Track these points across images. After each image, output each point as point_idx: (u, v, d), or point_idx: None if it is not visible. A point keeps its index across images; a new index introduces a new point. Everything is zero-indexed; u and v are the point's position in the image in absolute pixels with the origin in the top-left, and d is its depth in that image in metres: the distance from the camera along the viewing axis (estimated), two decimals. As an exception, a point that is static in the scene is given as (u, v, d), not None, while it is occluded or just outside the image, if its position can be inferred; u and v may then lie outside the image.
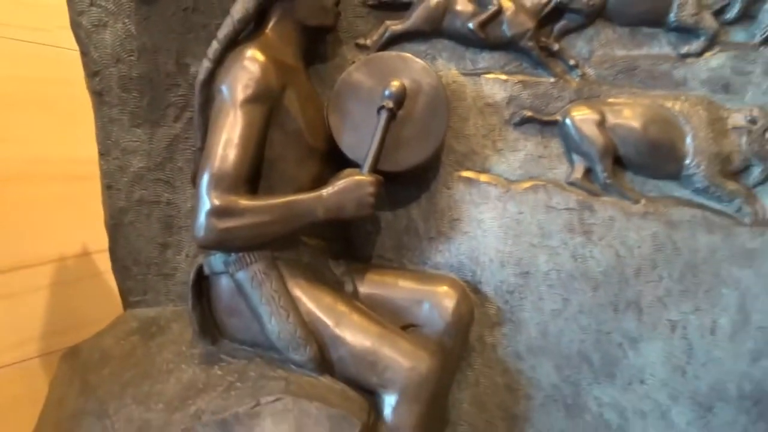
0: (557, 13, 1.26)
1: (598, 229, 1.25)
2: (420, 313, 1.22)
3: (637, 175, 1.27)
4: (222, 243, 1.08)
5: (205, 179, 1.06)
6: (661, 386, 1.25)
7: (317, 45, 1.29)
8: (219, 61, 1.14)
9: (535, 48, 1.26)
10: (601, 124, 1.24)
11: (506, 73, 1.29)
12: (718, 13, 1.23)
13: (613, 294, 1.25)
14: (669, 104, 1.24)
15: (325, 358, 1.12)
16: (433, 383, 1.10)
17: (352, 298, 1.20)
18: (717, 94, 1.23)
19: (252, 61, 1.10)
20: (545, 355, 1.29)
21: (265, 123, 1.11)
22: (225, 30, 1.15)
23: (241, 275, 1.12)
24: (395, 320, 1.19)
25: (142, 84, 1.26)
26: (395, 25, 1.29)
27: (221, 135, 1.08)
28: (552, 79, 1.28)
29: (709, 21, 1.22)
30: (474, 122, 1.30)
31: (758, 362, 1.20)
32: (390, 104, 1.16)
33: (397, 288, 1.24)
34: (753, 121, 1.21)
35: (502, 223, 1.28)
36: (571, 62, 1.27)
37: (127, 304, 1.34)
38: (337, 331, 1.11)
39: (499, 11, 1.25)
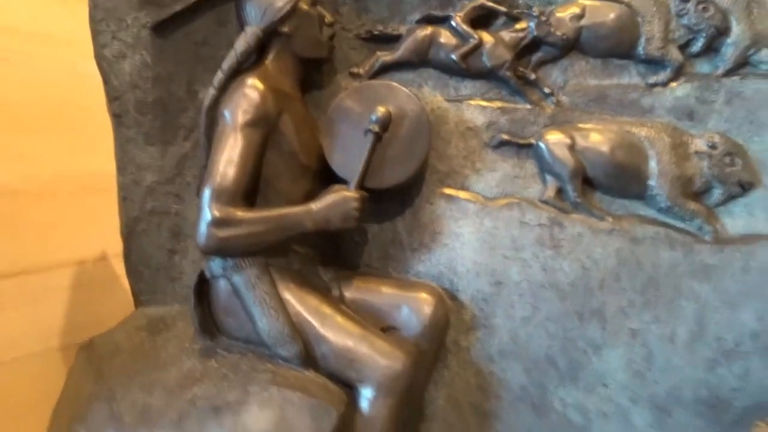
0: (534, 45, 1.31)
1: (567, 244, 1.28)
2: (399, 317, 1.26)
3: (605, 195, 1.30)
4: (221, 250, 1.14)
5: (207, 193, 1.13)
6: (622, 390, 1.26)
7: (313, 74, 1.34)
8: (223, 89, 1.20)
9: (513, 77, 1.31)
10: (572, 147, 1.28)
11: (486, 99, 1.34)
12: (684, 46, 1.27)
13: (579, 304, 1.27)
14: (635, 130, 1.27)
15: (309, 354, 1.17)
16: (407, 380, 1.15)
17: (338, 302, 1.24)
18: (682, 121, 1.27)
19: (252, 89, 1.16)
20: (515, 358, 1.31)
21: (263, 144, 1.17)
22: (229, 61, 1.21)
23: (237, 278, 1.18)
24: (376, 323, 1.23)
25: (156, 108, 1.32)
26: (386, 56, 1.36)
27: (222, 154, 1.14)
28: (528, 106, 1.32)
29: (675, 54, 1.26)
30: (456, 144, 1.35)
31: (714, 370, 1.22)
32: (376, 128, 1.22)
33: (380, 293, 1.28)
34: (714, 147, 1.24)
35: (479, 236, 1.31)
36: (547, 90, 1.32)
37: (138, 303, 1.39)
38: (322, 330, 1.17)
39: (480, 44, 1.31)
